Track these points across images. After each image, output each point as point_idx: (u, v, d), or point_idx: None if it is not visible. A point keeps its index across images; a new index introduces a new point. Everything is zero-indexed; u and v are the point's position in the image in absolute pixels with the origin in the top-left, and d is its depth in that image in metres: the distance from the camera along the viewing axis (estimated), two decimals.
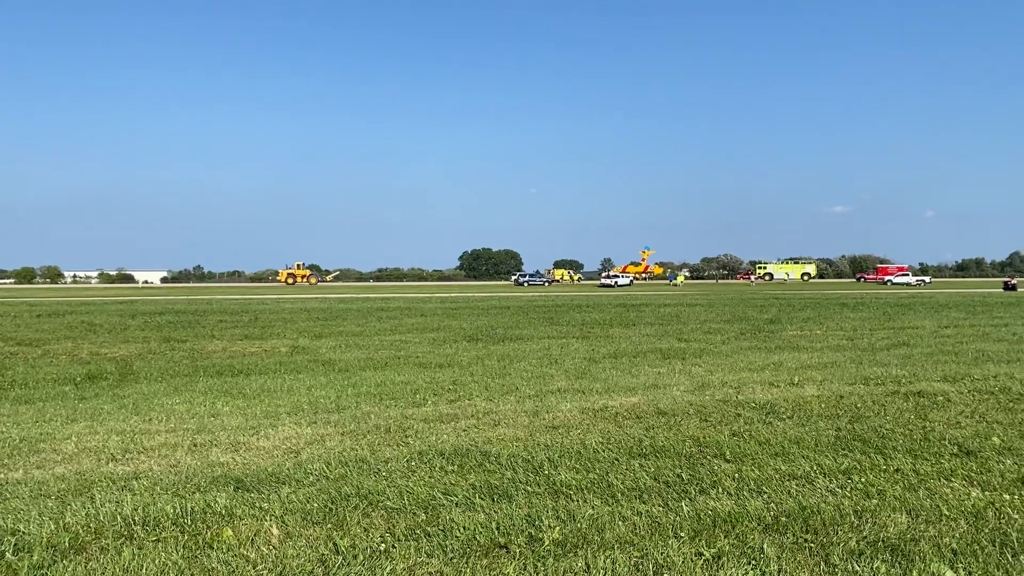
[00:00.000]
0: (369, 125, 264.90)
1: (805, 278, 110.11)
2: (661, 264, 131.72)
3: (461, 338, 17.61)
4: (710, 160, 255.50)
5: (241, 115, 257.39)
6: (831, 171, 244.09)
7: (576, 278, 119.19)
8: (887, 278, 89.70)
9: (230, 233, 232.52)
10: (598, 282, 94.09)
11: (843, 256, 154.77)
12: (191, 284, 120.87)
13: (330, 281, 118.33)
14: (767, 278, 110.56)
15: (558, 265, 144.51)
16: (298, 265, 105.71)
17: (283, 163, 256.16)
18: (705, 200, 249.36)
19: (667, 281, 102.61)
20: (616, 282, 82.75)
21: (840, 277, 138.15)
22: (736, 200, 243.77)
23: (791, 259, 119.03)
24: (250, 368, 12.55)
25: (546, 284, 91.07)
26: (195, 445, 6.79)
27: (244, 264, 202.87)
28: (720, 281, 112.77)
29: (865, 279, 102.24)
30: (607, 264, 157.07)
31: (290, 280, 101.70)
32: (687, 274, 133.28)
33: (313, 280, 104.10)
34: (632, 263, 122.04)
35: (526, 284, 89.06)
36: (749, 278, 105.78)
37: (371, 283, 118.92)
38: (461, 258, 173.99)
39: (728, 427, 7.20)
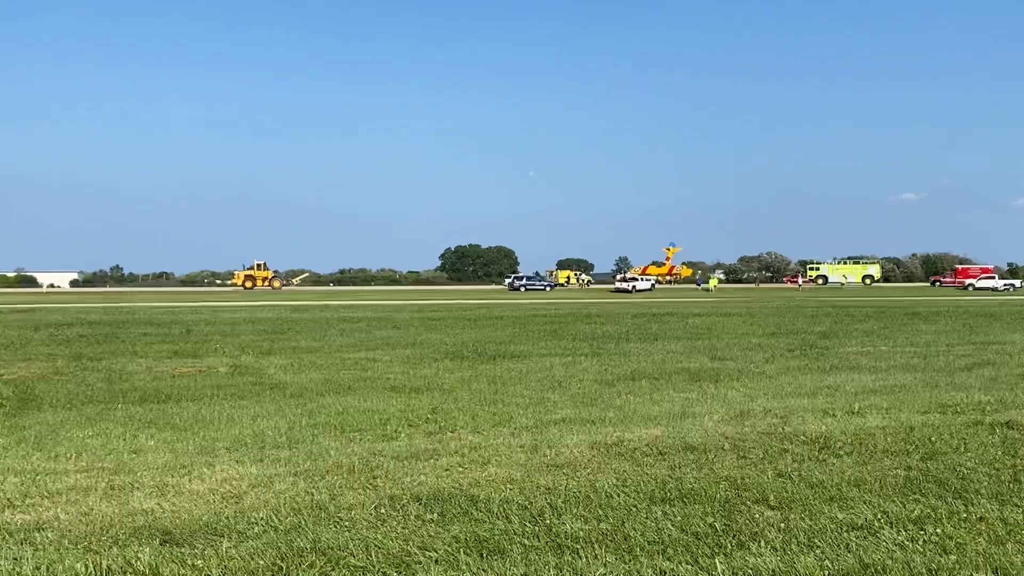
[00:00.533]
0: (327, 91, 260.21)
1: (867, 282, 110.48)
2: (689, 264, 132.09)
3: (443, 355, 17.60)
4: (751, 137, 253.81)
5: (169, 79, 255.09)
6: (900, 150, 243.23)
7: (585, 281, 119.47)
8: (968, 282, 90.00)
9: (156, 227, 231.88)
10: (612, 286, 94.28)
11: (914, 255, 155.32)
12: (108, 288, 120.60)
13: (297, 284, 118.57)
14: (820, 281, 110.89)
15: (562, 265, 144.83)
16: (258, 265, 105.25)
17: (221, 141, 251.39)
18: (744, 187, 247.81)
19: (696, 285, 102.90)
20: (634, 286, 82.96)
21: (910, 280, 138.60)
22: (782, 187, 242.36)
23: (850, 258, 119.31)
24: (181, 393, 12.52)
25: (548, 288, 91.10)
26: (112, 488, 6.76)
27: (173, 264, 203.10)
28: (761, 285, 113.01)
29: (941, 283, 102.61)
30: (623, 264, 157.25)
31: (248, 283, 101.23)
32: (721, 277, 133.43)
33: (277, 283, 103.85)
34: (654, 263, 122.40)
35: (523, 289, 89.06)
36: (796, 281, 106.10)
37: (331, 287, 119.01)
38: (443, 257, 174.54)
39: (772, 466, 7.20)
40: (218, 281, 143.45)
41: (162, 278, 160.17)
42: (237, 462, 7.65)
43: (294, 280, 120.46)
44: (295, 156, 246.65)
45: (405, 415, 10.11)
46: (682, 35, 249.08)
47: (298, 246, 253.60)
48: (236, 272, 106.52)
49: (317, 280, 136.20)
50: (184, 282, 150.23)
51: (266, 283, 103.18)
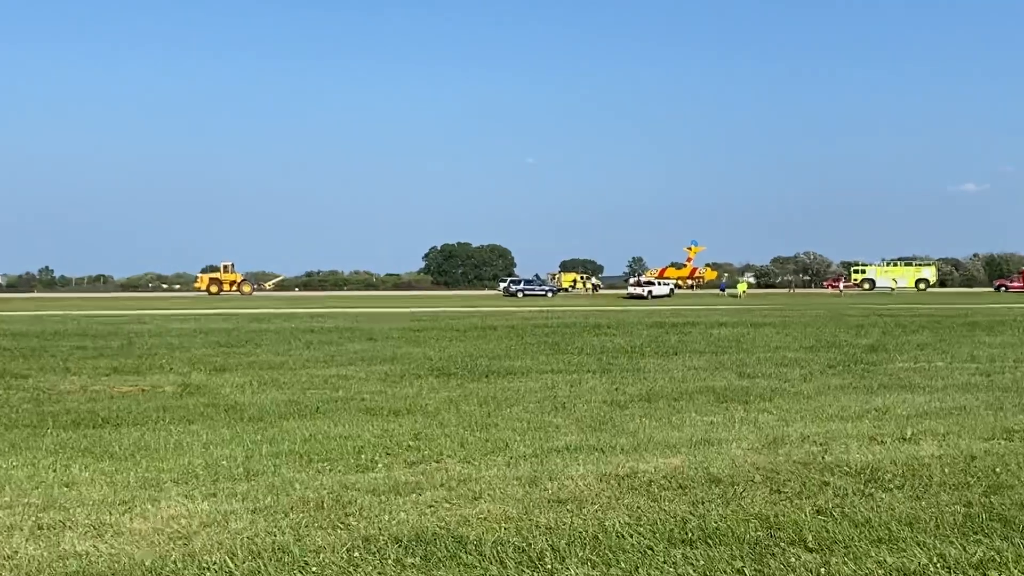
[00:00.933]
0: (289, 65, 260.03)
1: (921, 286, 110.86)
2: (714, 266, 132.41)
3: (427, 372, 17.59)
4: (786, 120, 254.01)
5: (106, 54, 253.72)
6: (958, 134, 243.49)
7: (592, 285, 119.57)
8: None
9: (92, 224, 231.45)
10: (624, 291, 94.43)
11: (975, 255, 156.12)
12: (36, 294, 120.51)
13: (271, 289, 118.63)
14: (866, 286, 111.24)
15: (566, 267, 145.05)
16: (224, 267, 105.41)
17: (168, 125, 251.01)
18: (778, 176, 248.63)
19: (719, 291, 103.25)
20: (650, 292, 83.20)
21: (971, 285, 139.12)
22: (823, 177, 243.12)
23: (901, 259, 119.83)
24: (121, 416, 12.49)
25: (549, 294, 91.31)
26: (40, 528, 6.74)
27: (112, 267, 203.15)
28: (796, 290, 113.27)
29: (1007, 288, 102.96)
30: (637, 266, 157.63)
31: (214, 288, 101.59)
32: (751, 281, 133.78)
33: (247, 288, 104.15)
34: (673, 265, 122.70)
35: (520, 294, 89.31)
36: (836, 286, 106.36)
37: (296, 292, 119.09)
38: (427, 257, 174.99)
39: (811, 501, 7.20)
40: (164, 285, 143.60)
41: (99, 282, 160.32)
42: (186, 497, 7.62)
43: (267, 284, 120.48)
44: (252, 142, 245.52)
45: (382, 442, 10.09)
46: (706, 3, 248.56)
47: (256, 245, 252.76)
48: (199, 276, 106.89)
49: (281, 284, 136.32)
50: (125, 286, 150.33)
51: (234, 287, 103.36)
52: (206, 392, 15.03)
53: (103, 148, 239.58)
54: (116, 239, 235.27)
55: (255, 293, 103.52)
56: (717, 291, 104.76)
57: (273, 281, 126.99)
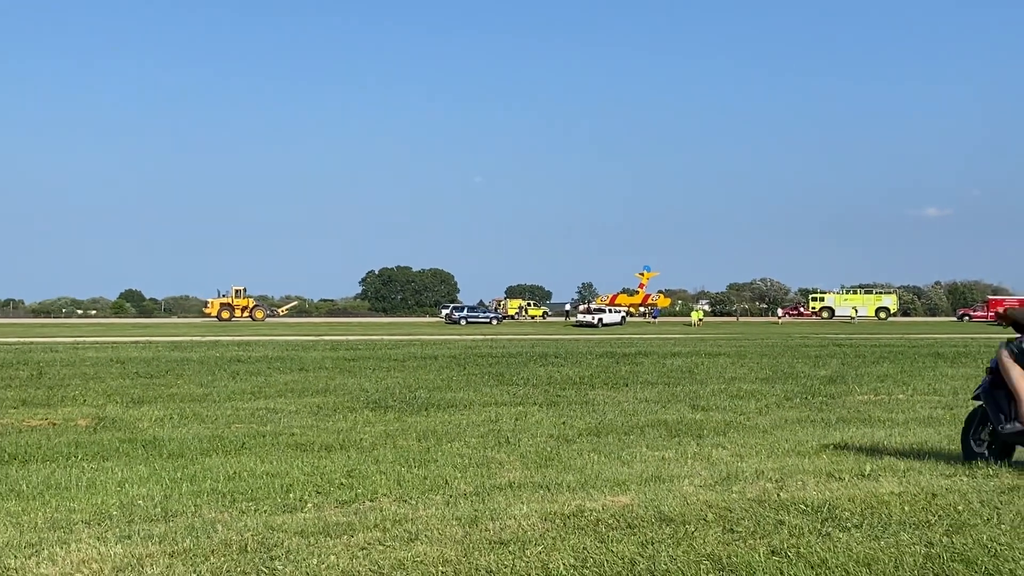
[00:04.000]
0: (206, 66, 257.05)
1: (881, 315, 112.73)
2: (667, 293, 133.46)
3: (361, 404, 17.55)
4: (743, 139, 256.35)
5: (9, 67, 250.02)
6: (920, 156, 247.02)
7: (540, 313, 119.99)
8: None
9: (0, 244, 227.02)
10: (573, 319, 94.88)
11: (938, 283, 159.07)
12: None
13: (284, 314, 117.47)
14: (825, 315, 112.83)
15: (512, 293, 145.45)
16: (236, 291, 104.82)
17: (70, 135, 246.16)
18: (735, 198, 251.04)
19: (651, 319, 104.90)
20: (600, 320, 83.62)
21: (934, 314, 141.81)
22: (780, 199, 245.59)
23: (860, 287, 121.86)
24: (28, 452, 12.31)
25: (493, 321, 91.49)
26: None
27: (22, 290, 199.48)
28: (741, 318, 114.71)
29: (971, 317, 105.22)
30: (586, 292, 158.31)
31: (225, 314, 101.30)
32: (706, 308, 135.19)
33: (260, 314, 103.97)
34: (625, 291, 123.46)
35: (463, 322, 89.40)
36: (791, 312, 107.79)
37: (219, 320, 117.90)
38: (364, 281, 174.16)
39: (765, 541, 7.25)
40: (79, 311, 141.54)
41: (8, 307, 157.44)
42: (98, 540, 7.51)
43: (280, 310, 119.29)
44: (168, 152, 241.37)
45: (312, 480, 10.05)
46: (660, 8, 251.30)
47: (176, 267, 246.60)
48: (210, 300, 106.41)
49: (297, 309, 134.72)
50: (36, 311, 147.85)
51: (246, 313, 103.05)
52: (122, 426, 14.87)
53: (10, 162, 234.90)
54: (27, 260, 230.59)
55: (267, 319, 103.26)
56: (650, 319, 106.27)
57: (287, 306, 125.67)
